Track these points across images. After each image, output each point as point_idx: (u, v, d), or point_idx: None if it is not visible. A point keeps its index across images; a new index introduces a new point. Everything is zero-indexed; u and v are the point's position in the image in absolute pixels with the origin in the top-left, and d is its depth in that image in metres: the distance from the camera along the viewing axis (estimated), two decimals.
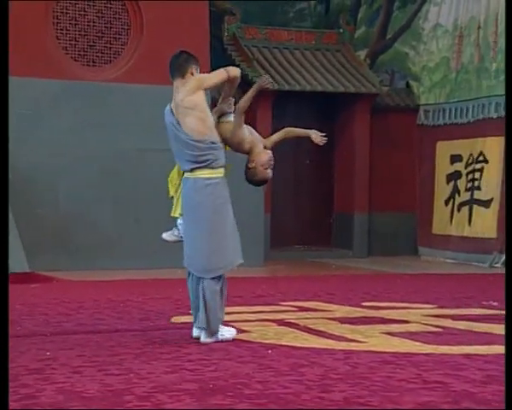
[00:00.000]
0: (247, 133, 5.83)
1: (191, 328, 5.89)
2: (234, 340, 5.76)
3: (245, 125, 5.85)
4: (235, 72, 5.78)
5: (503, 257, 12.68)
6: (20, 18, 11.29)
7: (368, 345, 5.69)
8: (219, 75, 5.75)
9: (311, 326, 6.45)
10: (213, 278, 5.67)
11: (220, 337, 5.72)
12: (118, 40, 12.35)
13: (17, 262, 10.04)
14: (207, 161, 5.64)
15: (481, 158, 13.38)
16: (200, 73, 5.87)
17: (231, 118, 5.85)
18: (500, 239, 12.78)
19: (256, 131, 6.03)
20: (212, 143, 5.68)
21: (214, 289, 5.67)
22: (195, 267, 5.72)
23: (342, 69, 14.46)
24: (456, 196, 13.90)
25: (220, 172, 5.70)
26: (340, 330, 6.27)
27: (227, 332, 5.78)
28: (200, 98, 5.67)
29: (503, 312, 7.39)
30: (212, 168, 5.66)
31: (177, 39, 12.44)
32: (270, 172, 5.81)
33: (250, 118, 6.17)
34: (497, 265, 12.65)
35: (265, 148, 5.91)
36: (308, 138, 6.05)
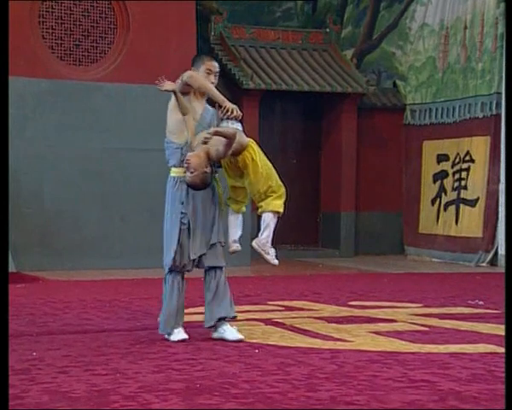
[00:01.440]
0: (198, 136, 5.76)
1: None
2: (218, 339, 5.76)
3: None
4: (184, 78, 5.72)
5: (489, 256, 12.73)
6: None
7: (354, 344, 5.70)
8: (179, 82, 5.79)
9: (297, 326, 6.46)
10: (167, 274, 5.81)
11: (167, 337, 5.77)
12: (104, 39, 12.32)
13: None
14: (166, 159, 5.90)
15: (468, 158, 13.42)
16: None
17: (223, 123, 5.80)
18: (486, 238, 12.83)
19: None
20: (166, 142, 5.84)
21: (165, 284, 5.83)
22: None
23: (329, 69, 14.48)
24: (443, 195, 13.94)
25: (173, 172, 5.80)
26: (327, 330, 6.28)
27: (173, 335, 5.75)
28: (170, 101, 5.80)
29: (489, 311, 7.44)
30: (169, 167, 5.86)
31: (163, 39, 12.45)
32: (186, 175, 5.65)
33: None
34: (482, 264, 12.70)
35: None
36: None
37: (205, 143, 5.61)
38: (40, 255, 11.21)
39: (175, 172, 5.79)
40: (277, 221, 5.91)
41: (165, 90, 5.67)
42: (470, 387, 4.40)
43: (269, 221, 5.83)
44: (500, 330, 6.03)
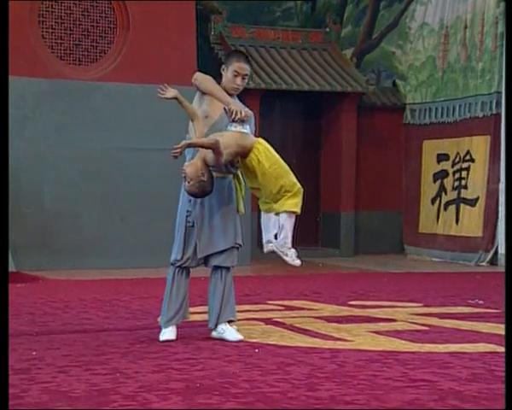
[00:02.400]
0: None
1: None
2: (218, 339, 5.77)
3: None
4: (192, 79, 5.71)
5: (489, 255, 12.73)
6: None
7: (354, 344, 5.70)
8: None
9: (297, 325, 6.46)
10: (170, 268, 5.83)
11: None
12: (104, 39, 12.32)
13: None
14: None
15: (468, 157, 13.42)
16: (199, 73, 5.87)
17: (228, 127, 5.65)
18: (486, 238, 12.83)
19: None
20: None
21: (167, 278, 5.85)
22: None
23: (329, 68, 14.48)
24: (443, 194, 13.94)
25: None
26: (327, 329, 6.28)
27: (161, 335, 5.75)
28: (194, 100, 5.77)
29: (489, 310, 7.44)
30: None
31: (163, 38, 12.44)
32: (185, 184, 5.60)
33: None
34: (482, 263, 12.70)
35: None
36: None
37: (175, 157, 5.44)
38: (40, 255, 11.21)
39: None
40: (295, 220, 5.78)
41: (166, 98, 5.57)
42: (470, 386, 4.40)
43: (283, 222, 5.71)
44: (500, 329, 6.03)
